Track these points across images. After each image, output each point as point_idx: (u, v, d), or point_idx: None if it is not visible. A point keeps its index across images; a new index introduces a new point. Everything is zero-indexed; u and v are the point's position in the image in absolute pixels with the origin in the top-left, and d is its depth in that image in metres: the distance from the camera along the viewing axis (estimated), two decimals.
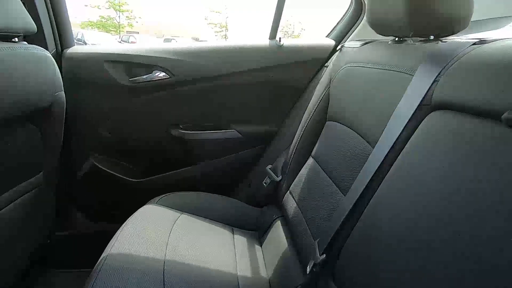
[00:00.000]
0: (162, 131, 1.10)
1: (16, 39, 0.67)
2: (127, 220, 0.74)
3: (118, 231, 0.70)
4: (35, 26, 0.69)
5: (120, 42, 11.61)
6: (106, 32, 15.14)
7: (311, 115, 0.87)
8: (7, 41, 0.65)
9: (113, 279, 0.53)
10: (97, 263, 0.58)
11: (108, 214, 1.15)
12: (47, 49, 0.88)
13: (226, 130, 1.12)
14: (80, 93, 0.98)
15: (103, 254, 0.61)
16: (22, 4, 0.66)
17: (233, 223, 0.88)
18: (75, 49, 0.99)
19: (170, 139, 1.10)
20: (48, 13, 0.90)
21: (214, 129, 1.12)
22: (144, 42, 11.50)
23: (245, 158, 1.16)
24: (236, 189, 1.19)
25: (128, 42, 11.44)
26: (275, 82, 1.09)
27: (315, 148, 0.83)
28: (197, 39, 17.62)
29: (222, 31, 21.00)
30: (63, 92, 0.80)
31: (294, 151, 0.90)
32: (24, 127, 0.70)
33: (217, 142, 1.12)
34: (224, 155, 1.14)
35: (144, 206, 0.81)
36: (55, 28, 0.93)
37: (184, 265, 0.63)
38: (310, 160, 0.82)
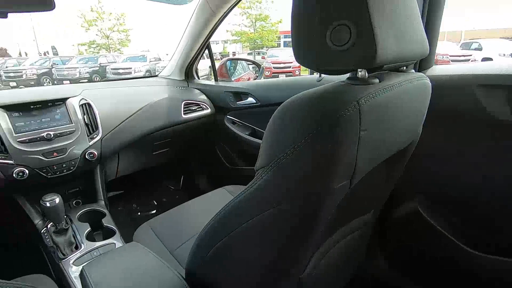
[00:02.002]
0: None
1: (404, 68, 0.55)
2: None
3: None
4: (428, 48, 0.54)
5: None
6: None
7: None
8: (397, 71, 0.55)
9: None
10: None
11: (419, 272, 0.91)
12: None
13: None
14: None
15: None
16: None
17: None
18: (434, 70, 0.80)
19: None
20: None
21: None
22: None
23: None
24: None
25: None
26: None
27: None
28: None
29: None
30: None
31: None
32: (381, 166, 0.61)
33: None
34: None
35: None
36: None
37: None
38: None
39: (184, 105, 1.41)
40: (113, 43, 19.57)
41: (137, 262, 0.63)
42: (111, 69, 10.91)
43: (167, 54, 12.87)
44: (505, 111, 0.67)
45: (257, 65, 1.76)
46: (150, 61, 11.71)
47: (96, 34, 19.09)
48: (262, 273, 0.49)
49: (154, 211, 1.69)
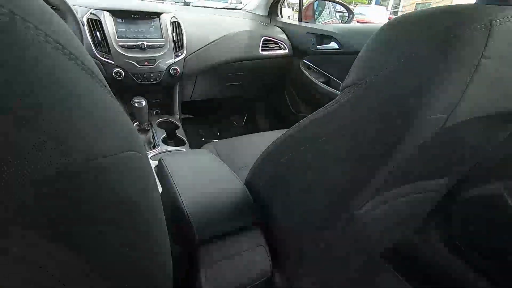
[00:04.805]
0: None
1: None
2: None
3: None
4: None
5: None
6: None
7: None
8: None
9: None
10: None
11: (486, 262, 0.83)
12: None
13: None
14: None
15: None
16: None
17: None
18: None
19: None
20: None
21: None
22: None
23: None
24: None
25: None
26: None
27: None
28: None
29: None
30: None
31: None
32: None
33: None
34: None
35: None
36: None
37: None
38: None
39: (263, 41, 1.39)
40: None
41: (207, 162, 0.70)
42: (192, 6, 11.17)
43: None
44: None
45: (348, 10, 1.59)
46: (231, 3, 11.66)
47: None
48: (320, 197, 0.50)
49: (216, 140, 1.82)
